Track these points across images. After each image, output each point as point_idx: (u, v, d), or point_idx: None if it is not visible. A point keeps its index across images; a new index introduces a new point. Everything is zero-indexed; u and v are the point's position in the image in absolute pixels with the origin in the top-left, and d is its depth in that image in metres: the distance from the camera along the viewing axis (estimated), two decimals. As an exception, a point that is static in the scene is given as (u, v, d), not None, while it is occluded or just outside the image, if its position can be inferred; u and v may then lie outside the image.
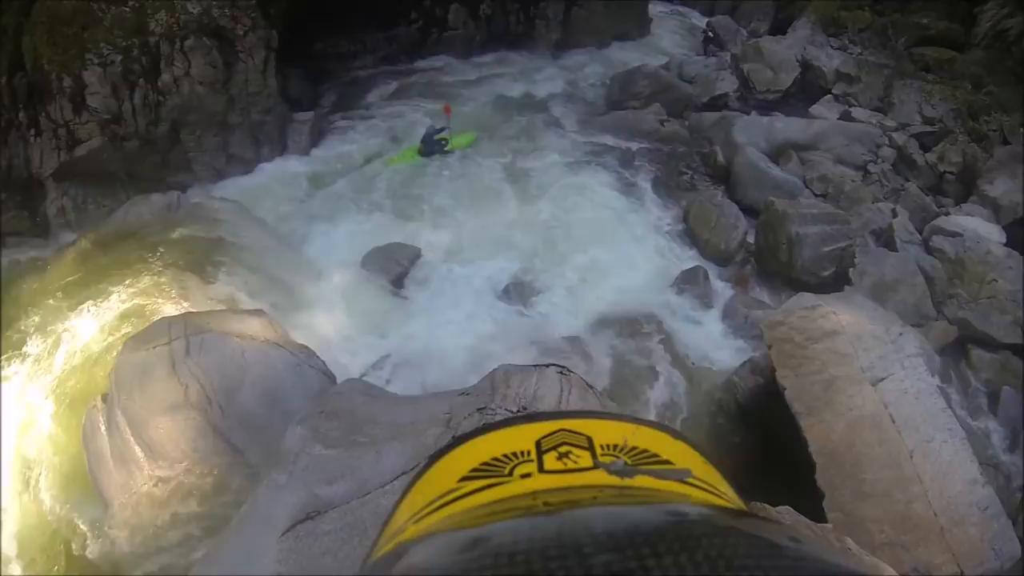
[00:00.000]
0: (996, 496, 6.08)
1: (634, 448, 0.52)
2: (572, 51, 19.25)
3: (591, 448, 0.51)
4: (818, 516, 5.45)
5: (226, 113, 12.14)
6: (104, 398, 6.59)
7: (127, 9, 11.31)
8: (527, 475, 0.48)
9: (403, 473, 4.26)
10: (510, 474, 0.49)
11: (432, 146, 13.10)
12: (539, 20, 18.86)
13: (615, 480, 0.46)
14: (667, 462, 0.51)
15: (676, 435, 0.56)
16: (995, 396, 8.94)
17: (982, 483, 6.03)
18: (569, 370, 5.10)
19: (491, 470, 0.50)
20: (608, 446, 0.51)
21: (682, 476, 0.48)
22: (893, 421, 6.24)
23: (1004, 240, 10.86)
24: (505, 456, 0.51)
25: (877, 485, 5.97)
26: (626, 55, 19.09)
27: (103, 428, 6.42)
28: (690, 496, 0.47)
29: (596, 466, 0.49)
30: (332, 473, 4.51)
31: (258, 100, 12.53)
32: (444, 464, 0.54)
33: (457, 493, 0.48)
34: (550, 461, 0.49)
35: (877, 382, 6.49)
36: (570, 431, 0.53)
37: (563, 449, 0.51)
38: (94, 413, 6.56)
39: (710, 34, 19.95)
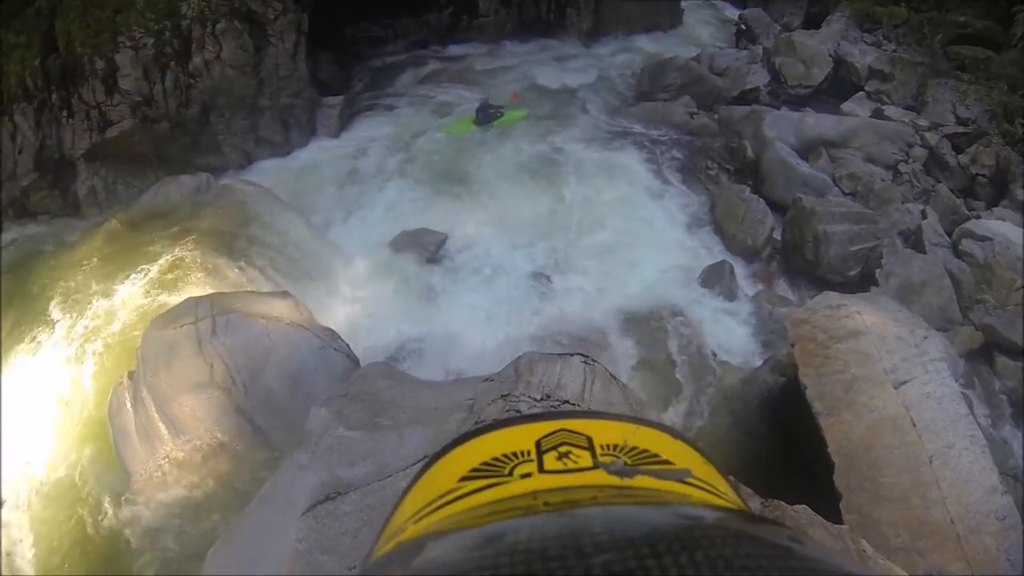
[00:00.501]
0: (1015, 506, 6.00)
1: (634, 448, 0.52)
2: (603, 40, 19.10)
3: (591, 448, 0.51)
4: (834, 517, 5.41)
5: (256, 96, 12.24)
6: (130, 375, 6.72)
7: (160, -7, 11.43)
8: (527, 475, 0.49)
9: (424, 457, 4.30)
10: (510, 474, 0.49)
11: (486, 117, 13.57)
12: (570, 8, 18.72)
13: (615, 480, 0.47)
14: (667, 462, 0.51)
15: (676, 435, 0.57)
16: (1019, 405, 8.79)
17: (1001, 492, 5.94)
18: (593, 360, 5.10)
19: (491, 470, 0.50)
20: (608, 446, 0.52)
21: (682, 476, 0.49)
22: (914, 425, 6.18)
23: (1035, 247, 10.64)
24: (505, 456, 0.52)
25: (895, 489, 5.93)
26: (657, 46, 18.93)
27: (129, 404, 6.55)
28: (690, 496, 0.47)
29: (596, 466, 0.49)
30: (354, 455, 4.57)
31: (288, 84, 12.61)
32: (444, 464, 0.54)
33: (457, 493, 0.49)
34: (550, 461, 0.50)
35: (900, 385, 6.43)
36: (570, 431, 0.53)
37: (563, 449, 0.51)
38: (120, 389, 6.70)
39: (742, 27, 19.74)
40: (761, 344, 9.08)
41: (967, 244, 10.49)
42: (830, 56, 16.07)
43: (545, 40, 18.30)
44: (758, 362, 8.58)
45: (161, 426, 6.29)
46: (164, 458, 6.26)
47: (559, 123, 14.22)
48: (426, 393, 5.31)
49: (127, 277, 8.31)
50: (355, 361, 6.95)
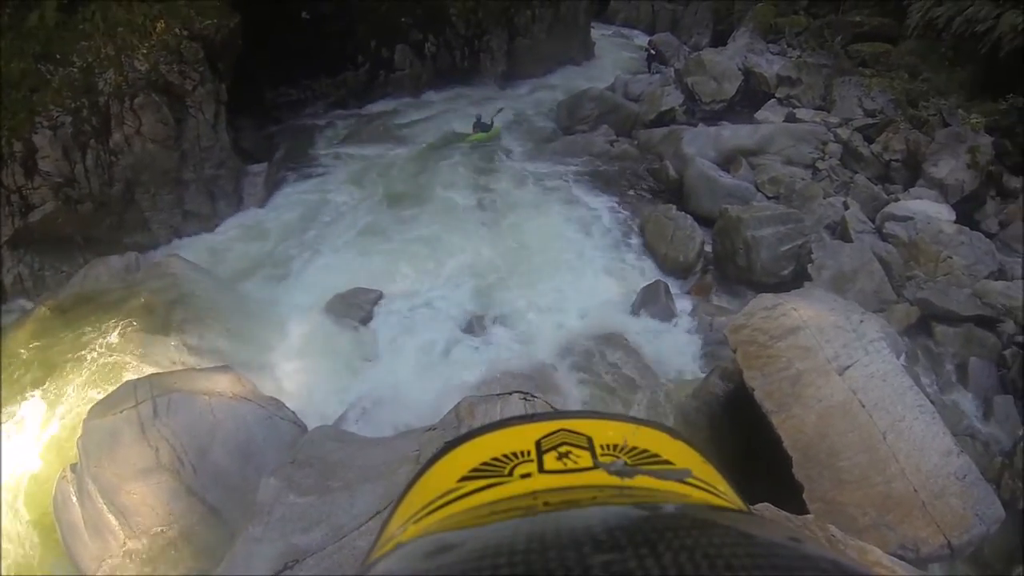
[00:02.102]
0: (973, 464, 6.18)
1: (634, 448, 0.52)
2: (519, 81, 19.58)
3: (591, 448, 0.51)
4: (800, 509, 5.48)
5: (179, 169, 12.05)
6: (73, 467, 6.45)
7: (75, 70, 11.16)
8: (527, 475, 0.48)
9: (377, 513, 4.25)
10: (510, 474, 0.49)
11: (484, 128, 15.48)
12: (484, 53, 19.06)
13: (615, 480, 0.47)
14: (667, 462, 0.51)
15: (676, 435, 0.56)
16: (963, 368, 9.10)
17: (957, 453, 6.12)
18: (533, 395, 5.15)
19: (491, 470, 0.50)
20: (608, 446, 0.51)
21: (682, 476, 0.49)
22: (863, 406, 6.34)
23: (953, 218, 11.21)
24: (505, 456, 0.51)
25: (854, 470, 6.05)
26: (572, 80, 19.45)
27: (74, 498, 6.27)
28: (690, 496, 0.47)
29: (596, 466, 0.49)
30: (308, 521, 4.48)
31: (211, 154, 12.47)
32: (444, 464, 0.54)
33: (457, 493, 0.48)
34: (550, 461, 0.49)
35: (843, 370, 6.59)
36: (570, 431, 0.53)
37: (563, 449, 0.51)
38: (64, 484, 6.42)
39: (652, 52, 20.41)
40: (705, 356, 9.16)
41: (890, 226, 11.00)
42: (739, 70, 16.72)
43: (462, 88, 18.65)
44: (705, 374, 8.63)
45: (111, 517, 6.03)
46: (117, 550, 6.00)
47: (483, 166, 14.46)
48: (373, 450, 5.27)
49: (60, 366, 8.02)
50: (303, 427, 6.83)
